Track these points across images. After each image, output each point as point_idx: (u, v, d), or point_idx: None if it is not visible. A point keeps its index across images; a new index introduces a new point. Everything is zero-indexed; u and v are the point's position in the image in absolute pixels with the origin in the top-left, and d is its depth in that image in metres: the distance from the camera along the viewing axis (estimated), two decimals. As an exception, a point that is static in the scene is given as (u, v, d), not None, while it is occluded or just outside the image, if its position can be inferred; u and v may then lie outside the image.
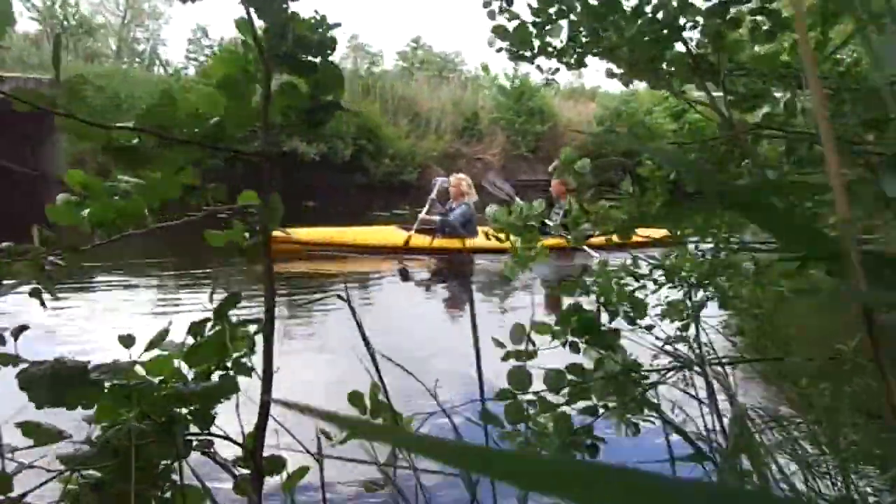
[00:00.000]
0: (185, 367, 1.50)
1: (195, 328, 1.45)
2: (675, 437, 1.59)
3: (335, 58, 1.18)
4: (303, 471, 1.55)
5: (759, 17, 2.50)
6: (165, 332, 1.37)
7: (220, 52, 1.14)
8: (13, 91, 0.97)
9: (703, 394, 1.69)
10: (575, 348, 1.96)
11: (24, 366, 1.22)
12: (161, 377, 1.45)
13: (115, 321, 6.39)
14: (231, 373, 1.52)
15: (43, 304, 1.29)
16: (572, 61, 2.66)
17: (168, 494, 1.49)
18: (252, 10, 1.07)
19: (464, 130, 21.30)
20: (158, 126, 1.08)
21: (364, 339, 1.43)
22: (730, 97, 2.47)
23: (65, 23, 30.03)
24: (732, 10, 2.46)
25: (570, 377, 1.88)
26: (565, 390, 1.86)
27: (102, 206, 1.33)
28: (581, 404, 1.85)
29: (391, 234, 10.64)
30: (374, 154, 18.38)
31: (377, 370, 1.48)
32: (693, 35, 2.41)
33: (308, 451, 1.55)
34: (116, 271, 8.48)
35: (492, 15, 2.72)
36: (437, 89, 22.70)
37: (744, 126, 2.42)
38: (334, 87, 1.17)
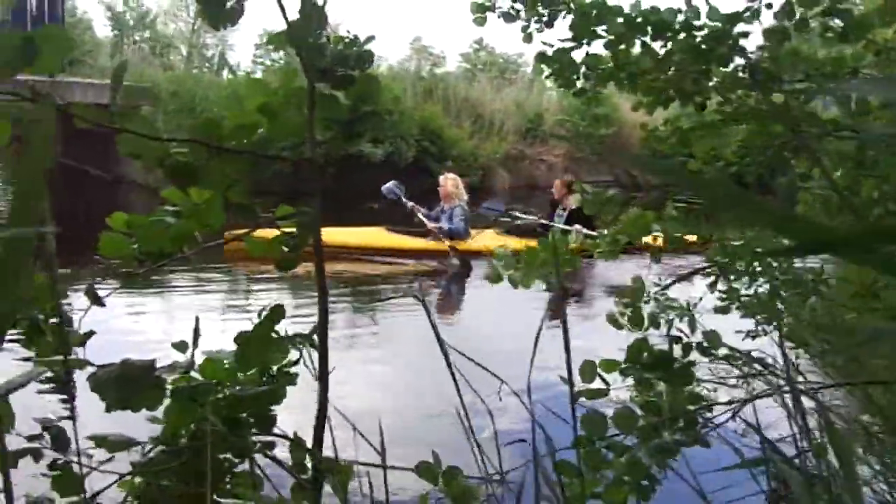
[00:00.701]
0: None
1: (240, 338, 1.50)
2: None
3: (397, 58, 1.22)
4: (349, 469, 1.56)
5: (827, 19, 2.44)
6: (197, 334, 1.42)
7: (249, 81, 1.19)
8: (75, 106, 1.02)
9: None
10: (647, 386, 1.85)
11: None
12: (216, 379, 1.50)
13: (184, 323, 6.56)
14: (277, 379, 1.57)
15: (101, 303, 1.37)
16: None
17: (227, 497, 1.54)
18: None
19: (527, 132, 21.21)
20: (209, 139, 1.13)
21: (440, 342, 1.43)
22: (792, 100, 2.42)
23: (138, 32, 30.96)
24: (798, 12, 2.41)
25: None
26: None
27: (150, 239, 1.39)
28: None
29: (380, 236, 10.59)
30: (436, 156, 18.44)
31: (454, 383, 1.47)
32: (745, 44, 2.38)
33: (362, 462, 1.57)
34: (191, 273, 8.67)
35: (528, 38, 2.71)
36: (500, 91, 22.66)
37: (819, 125, 2.37)
38: (373, 98, 1.20)
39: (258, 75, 22.77)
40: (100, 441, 1.45)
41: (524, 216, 10.92)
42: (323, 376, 1.47)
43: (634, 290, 2.29)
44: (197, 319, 1.40)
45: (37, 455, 1.43)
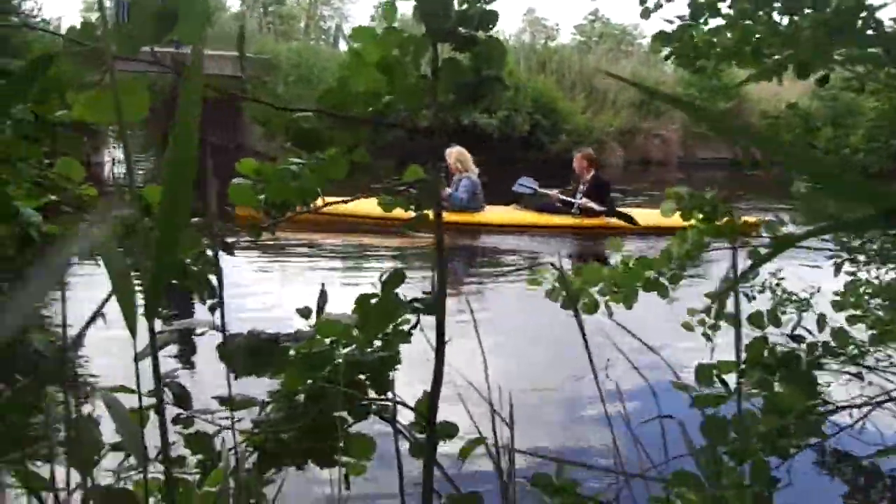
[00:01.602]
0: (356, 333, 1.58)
1: (361, 301, 1.53)
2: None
3: (510, 31, 1.20)
4: (478, 441, 1.57)
5: None
6: (325, 295, 1.44)
7: (357, 30, 1.17)
8: (186, 73, 1.05)
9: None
10: (769, 387, 1.73)
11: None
12: (332, 338, 1.53)
13: (303, 286, 6.76)
14: (392, 338, 1.59)
15: (232, 252, 1.42)
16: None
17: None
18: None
19: (642, 106, 20.69)
20: (334, 107, 1.14)
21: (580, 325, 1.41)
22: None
23: (263, 4, 31.77)
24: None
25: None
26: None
27: (277, 188, 1.44)
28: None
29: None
30: (549, 129, 18.23)
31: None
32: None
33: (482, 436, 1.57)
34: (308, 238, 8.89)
35: (646, 14, 2.61)
36: (614, 63, 22.18)
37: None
38: (497, 61, 1.18)
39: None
40: (225, 401, 1.51)
41: (546, 191, 10.73)
42: (439, 344, 1.48)
43: (724, 292, 2.19)
44: (323, 288, 1.44)
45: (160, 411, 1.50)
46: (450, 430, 1.58)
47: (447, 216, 8.31)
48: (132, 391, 1.33)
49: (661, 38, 2.58)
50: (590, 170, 10.46)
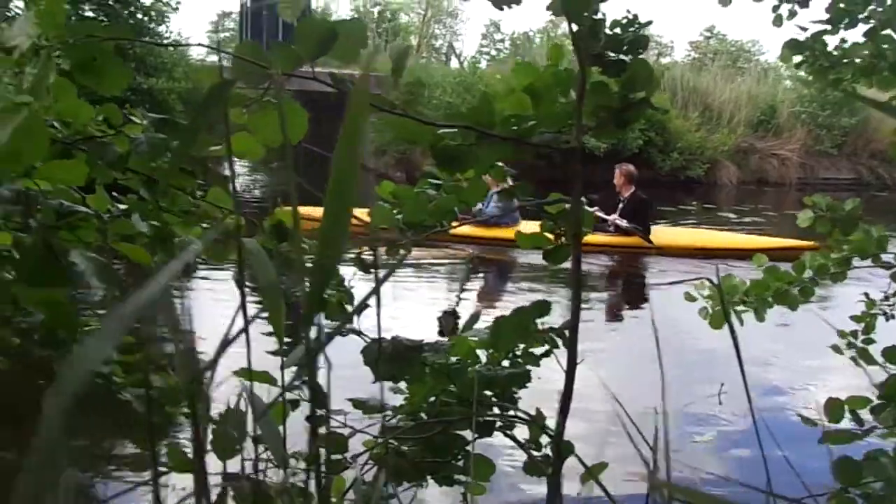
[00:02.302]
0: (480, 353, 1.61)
1: (469, 323, 1.57)
2: None
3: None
4: (602, 466, 1.57)
5: None
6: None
7: (519, 65, 1.21)
8: (354, 90, 1.10)
9: None
10: None
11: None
12: (458, 357, 1.57)
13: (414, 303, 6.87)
14: (521, 360, 1.61)
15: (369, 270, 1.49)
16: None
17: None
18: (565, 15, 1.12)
19: (759, 124, 20.07)
20: (477, 125, 1.17)
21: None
22: None
23: (380, 23, 32.52)
24: None
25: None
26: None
27: (414, 209, 1.50)
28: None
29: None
30: (661, 147, 17.92)
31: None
32: None
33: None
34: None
35: (778, 21, 2.55)
36: (730, 80, 21.59)
37: None
38: (646, 85, 1.19)
39: (482, 65, 23.20)
40: (359, 404, 1.58)
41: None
42: (570, 367, 1.49)
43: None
44: (456, 306, 1.48)
45: (294, 405, 1.56)
46: (570, 448, 1.59)
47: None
48: (273, 382, 1.40)
49: (792, 46, 2.52)
50: (629, 187, 10.11)
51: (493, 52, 32.30)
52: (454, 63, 23.67)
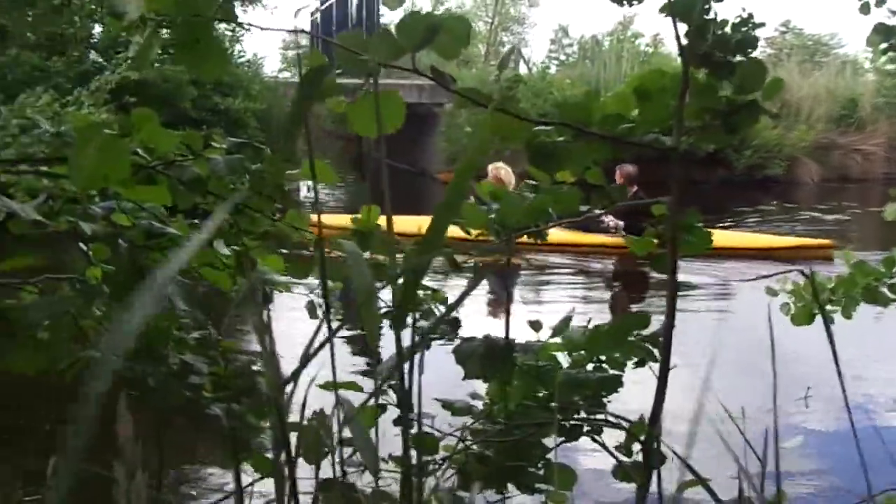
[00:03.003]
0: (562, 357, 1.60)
1: (560, 326, 1.56)
2: None
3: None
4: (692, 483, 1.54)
5: None
6: (569, 319, 1.47)
7: (646, 72, 1.20)
8: (461, 90, 1.11)
9: None
10: None
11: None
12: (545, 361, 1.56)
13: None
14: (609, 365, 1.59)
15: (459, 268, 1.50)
16: None
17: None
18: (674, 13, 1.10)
19: (840, 119, 19.44)
20: (575, 123, 1.16)
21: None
22: None
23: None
24: None
25: None
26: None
27: (509, 209, 1.50)
28: None
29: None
30: (736, 146, 17.50)
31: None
32: None
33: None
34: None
35: (866, 9, 2.46)
36: (808, 75, 20.98)
37: None
38: (756, 86, 1.16)
39: (551, 70, 23.07)
40: (448, 405, 1.58)
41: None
42: (663, 372, 1.46)
43: None
44: (572, 311, 1.47)
45: (383, 408, 1.58)
46: (662, 457, 1.56)
47: (574, 238, 7.97)
48: (360, 389, 1.42)
49: (881, 31, 2.43)
50: (630, 188, 9.87)
51: (562, 57, 32.10)
52: (522, 69, 23.59)
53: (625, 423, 1.53)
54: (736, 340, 5.80)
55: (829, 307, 2.50)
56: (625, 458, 1.60)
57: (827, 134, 19.01)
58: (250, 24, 1.38)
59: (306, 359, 1.13)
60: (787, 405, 4.52)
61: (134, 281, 1.37)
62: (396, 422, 1.62)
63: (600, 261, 9.42)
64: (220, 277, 1.63)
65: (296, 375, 0.90)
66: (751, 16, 1.15)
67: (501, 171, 10.25)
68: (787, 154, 18.20)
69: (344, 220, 1.73)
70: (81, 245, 1.47)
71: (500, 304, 7.74)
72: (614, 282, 9.19)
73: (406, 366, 1.06)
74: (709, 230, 1.40)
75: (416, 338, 1.37)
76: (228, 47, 15.10)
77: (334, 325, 1.00)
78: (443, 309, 1.57)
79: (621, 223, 9.46)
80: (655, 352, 1.47)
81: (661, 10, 1.11)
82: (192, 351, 1.47)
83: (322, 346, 1.14)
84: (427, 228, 0.85)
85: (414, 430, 1.61)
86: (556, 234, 9.71)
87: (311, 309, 1.90)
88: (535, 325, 1.51)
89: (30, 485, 2.20)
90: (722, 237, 9.82)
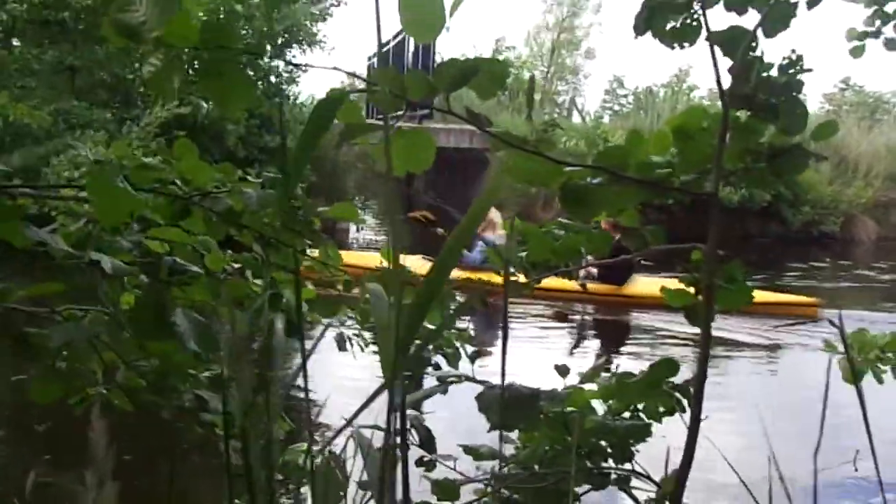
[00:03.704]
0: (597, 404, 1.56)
1: (589, 375, 1.52)
2: None
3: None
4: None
5: None
6: (600, 367, 1.42)
7: (690, 109, 1.17)
8: (496, 132, 1.09)
9: None
10: None
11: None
12: (573, 409, 1.52)
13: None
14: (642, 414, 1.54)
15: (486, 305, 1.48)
16: None
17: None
18: (718, 48, 1.07)
19: (899, 177, 19.04)
20: (612, 167, 1.13)
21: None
22: None
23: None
24: None
25: None
26: None
27: (539, 247, 1.48)
28: None
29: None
30: (792, 201, 17.22)
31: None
32: None
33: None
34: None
35: (892, 45, 2.40)
36: (867, 132, 20.62)
37: None
38: (800, 131, 1.11)
39: (605, 120, 23.08)
40: (471, 451, 1.55)
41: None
42: (694, 425, 1.41)
43: None
44: (606, 360, 1.43)
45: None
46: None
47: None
48: (381, 429, 1.38)
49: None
50: (614, 234, 9.72)
51: (616, 108, 32.09)
52: (576, 118, 23.67)
53: (647, 474, 1.48)
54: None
55: (880, 365, 2.39)
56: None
57: (885, 192, 18.62)
58: (297, 64, 1.37)
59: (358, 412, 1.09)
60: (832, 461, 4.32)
61: (154, 316, 1.36)
62: (419, 462, 1.59)
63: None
64: (238, 318, 1.62)
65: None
66: (800, 58, 1.11)
67: (490, 213, 10.17)
68: (844, 211, 17.86)
69: (374, 259, 1.73)
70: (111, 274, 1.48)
71: (484, 344, 7.67)
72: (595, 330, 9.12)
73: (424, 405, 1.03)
74: (747, 284, 1.34)
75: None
76: (284, 88, 15.34)
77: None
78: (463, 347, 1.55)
79: (594, 270, 9.42)
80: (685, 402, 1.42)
81: (707, 39, 1.07)
82: (207, 388, 1.45)
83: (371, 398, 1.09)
84: (433, 264, 0.83)
85: (430, 474, 1.59)
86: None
87: (340, 342, 1.89)
88: (562, 371, 1.46)
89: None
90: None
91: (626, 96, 31.97)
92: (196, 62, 1.18)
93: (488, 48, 33.52)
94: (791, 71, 1.10)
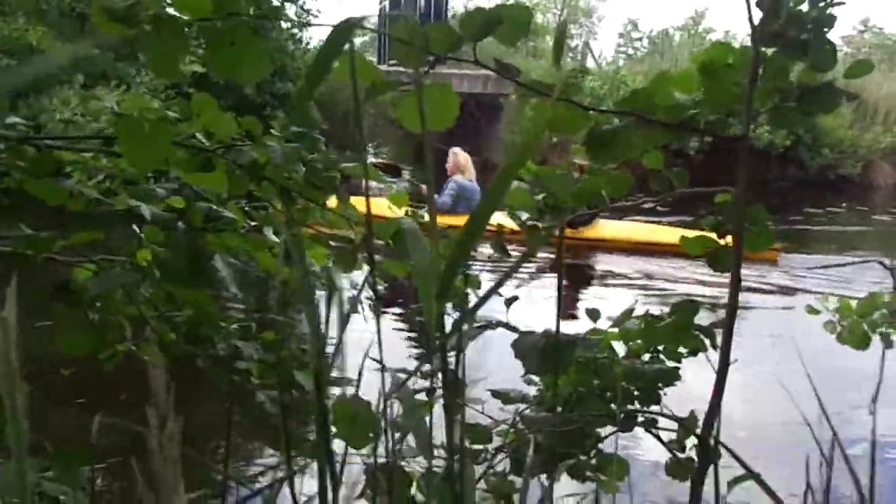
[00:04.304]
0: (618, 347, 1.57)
1: (622, 317, 1.53)
2: None
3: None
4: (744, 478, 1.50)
5: None
6: (630, 311, 1.43)
7: (714, 44, 1.15)
8: (524, 80, 1.08)
9: None
10: None
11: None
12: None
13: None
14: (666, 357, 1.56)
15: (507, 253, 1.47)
16: None
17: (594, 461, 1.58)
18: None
19: (921, 120, 18.71)
20: (639, 110, 1.12)
21: None
22: None
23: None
24: None
25: None
26: None
27: (558, 189, 1.47)
28: None
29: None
30: (810, 145, 17.01)
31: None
32: None
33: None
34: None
35: None
36: (886, 75, 20.24)
37: None
38: (829, 69, 1.10)
39: (620, 64, 22.76)
40: (500, 395, 1.57)
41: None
42: (722, 367, 1.42)
43: None
44: (635, 303, 1.44)
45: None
46: (717, 453, 1.52)
47: (629, 234, 7.91)
48: (411, 373, 1.40)
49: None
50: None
51: (631, 52, 31.68)
52: (590, 62, 23.31)
53: (677, 417, 1.49)
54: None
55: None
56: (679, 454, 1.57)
57: (905, 136, 18.35)
58: (302, 22, 1.35)
59: (343, 322, 1.10)
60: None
61: (191, 263, 1.38)
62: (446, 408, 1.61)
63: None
64: (272, 263, 1.64)
65: (338, 347, 0.89)
66: (829, -9, 1.08)
67: (459, 156, 10.17)
68: (863, 155, 17.63)
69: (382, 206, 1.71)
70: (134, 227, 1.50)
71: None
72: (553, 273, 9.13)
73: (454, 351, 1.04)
74: (769, 228, 1.34)
75: (462, 320, 1.36)
76: (285, 41, 15.07)
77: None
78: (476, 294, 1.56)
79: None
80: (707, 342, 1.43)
81: None
82: (240, 337, 1.48)
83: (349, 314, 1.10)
84: (472, 213, 0.83)
85: (463, 418, 1.61)
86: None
87: (354, 302, 1.89)
88: (593, 315, 1.48)
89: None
90: (649, 231, 9.54)
91: (640, 40, 31.51)
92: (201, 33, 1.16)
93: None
94: (821, 4, 1.08)
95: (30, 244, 1.39)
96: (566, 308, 7.39)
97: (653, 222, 9.95)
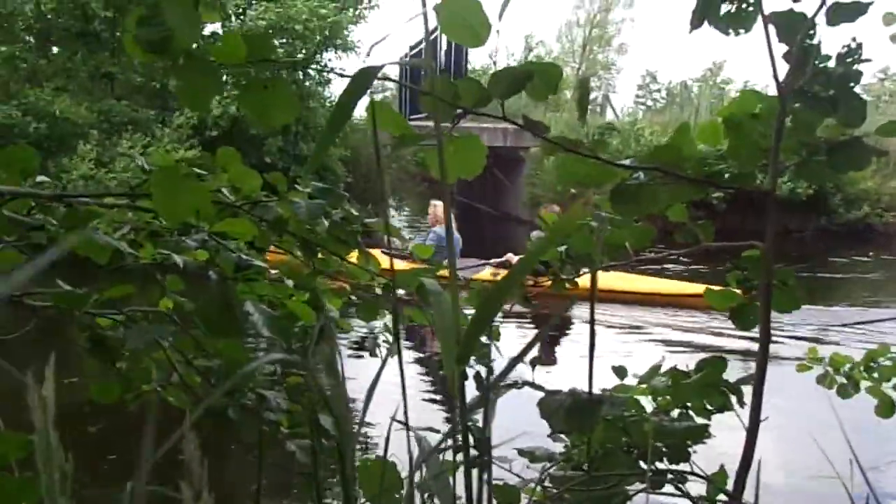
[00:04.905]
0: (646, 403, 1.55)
1: (649, 375, 1.52)
2: None
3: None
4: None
5: None
6: (657, 367, 1.41)
7: (743, 93, 1.15)
8: (552, 137, 1.09)
9: None
10: None
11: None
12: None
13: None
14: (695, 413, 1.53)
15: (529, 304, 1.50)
16: None
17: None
18: (774, 32, 1.05)
19: (946, 169, 18.58)
20: (665, 164, 1.12)
21: None
22: None
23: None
24: None
25: None
26: None
27: (580, 241, 1.48)
28: None
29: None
30: (834, 193, 16.95)
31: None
32: None
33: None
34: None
35: None
36: (910, 123, 20.15)
37: None
38: (858, 125, 1.09)
39: (639, 116, 22.87)
40: (527, 454, 1.55)
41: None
42: (753, 424, 1.39)
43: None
44: (662, 360, 1.43)
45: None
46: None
47: (651, 287, 7.84)
48: (437, 431, 1.39)
49: None
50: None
51: (649, 103, 31.89)
52: (609, 114, 23.45)
53: (705, 474, 1.46)
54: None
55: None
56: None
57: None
58: (332, 70, 1.38)
59: (374, 384, 1.09)
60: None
61: (222, 311, 1.39)
62: (471, 465, 1.59)
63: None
64: (304, 309, 1.65)
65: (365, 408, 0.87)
66: (860, 46, 1.08)
67: (439, 208, 10.57)
68: (887, 203, 17.55)
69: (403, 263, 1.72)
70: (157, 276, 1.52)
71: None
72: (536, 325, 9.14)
73: (480, 410, 1.02)
74: (797, 289, 1.32)
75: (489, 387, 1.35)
76: (311, 92, 15.29)
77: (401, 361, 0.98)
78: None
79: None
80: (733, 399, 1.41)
81: (764, 21, 1.05)
82: (268, 387, 1.48)
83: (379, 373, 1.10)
84: (511, 269, 0.83)
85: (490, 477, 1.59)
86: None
87: (373, 346, 1.90)
88: (620, 372, 1.46)
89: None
90: (646, 282, 9.43)
91: (658, 91, 31.74)
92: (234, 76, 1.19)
93: (518, 45, 33.40)
94: (849, 60, 1.07)
95: (66, 300, 1.42)
96: (545, 356, 7.41)
97: (649, 274, 9.97)
